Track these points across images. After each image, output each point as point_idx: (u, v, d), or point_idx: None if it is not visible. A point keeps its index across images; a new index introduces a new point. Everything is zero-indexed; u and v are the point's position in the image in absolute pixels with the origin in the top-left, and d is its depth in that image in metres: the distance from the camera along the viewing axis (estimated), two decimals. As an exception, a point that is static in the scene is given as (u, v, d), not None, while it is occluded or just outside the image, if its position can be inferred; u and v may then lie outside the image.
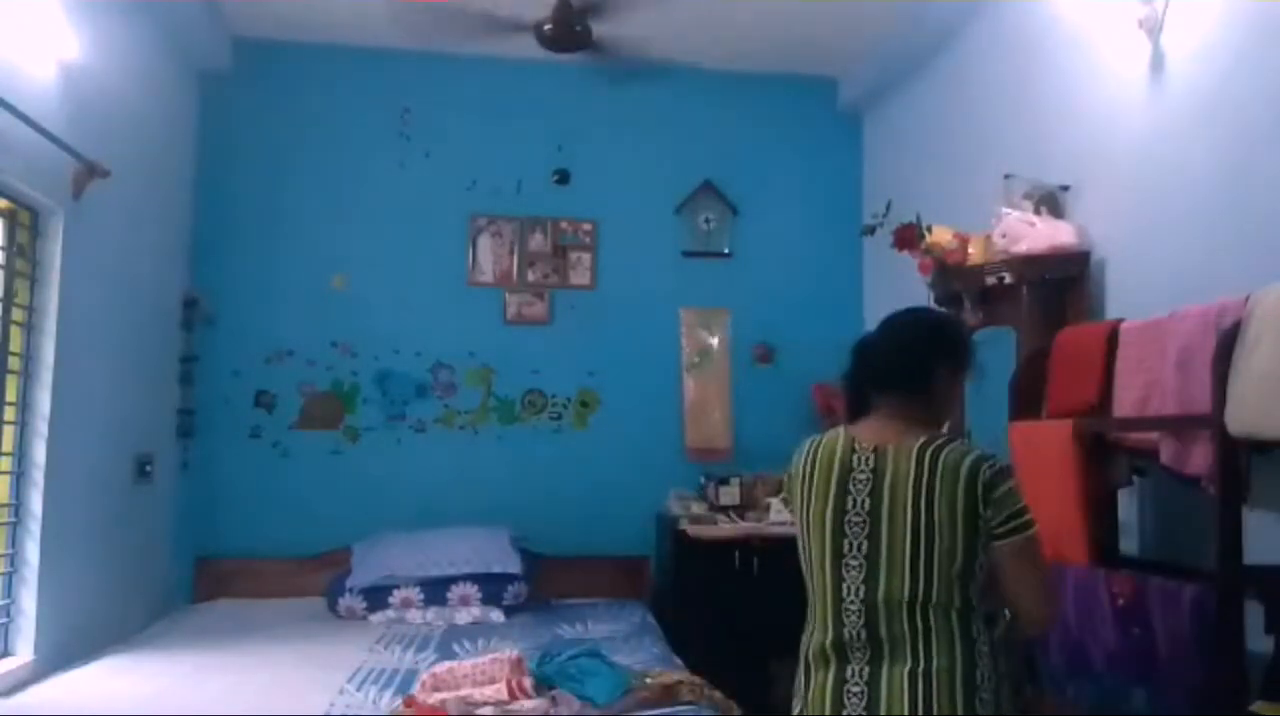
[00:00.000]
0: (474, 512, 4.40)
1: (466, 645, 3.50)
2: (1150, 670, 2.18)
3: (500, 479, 4.58)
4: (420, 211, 4.66)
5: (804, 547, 1.88)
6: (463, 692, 2.57)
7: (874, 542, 1.76)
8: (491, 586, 4.04)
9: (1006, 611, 1.77)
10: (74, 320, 3.25)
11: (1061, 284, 3.00)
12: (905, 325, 1.93)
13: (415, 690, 2.65)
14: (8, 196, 2.98)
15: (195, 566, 4.37)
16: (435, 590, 4.02)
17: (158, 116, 4.05)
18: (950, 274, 3.29)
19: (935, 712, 1.67)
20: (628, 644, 3.53)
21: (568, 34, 3.59)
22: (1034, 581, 1.75)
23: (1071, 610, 2.40)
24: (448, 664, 2.75)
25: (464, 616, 3.97)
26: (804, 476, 1.88)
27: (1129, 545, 2.73)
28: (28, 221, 3.12)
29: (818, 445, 1.89)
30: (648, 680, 2.76)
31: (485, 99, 4.73)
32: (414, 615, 3.98)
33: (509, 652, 2.76)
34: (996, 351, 3.16)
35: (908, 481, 1.74)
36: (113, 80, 3.53)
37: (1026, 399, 2.86)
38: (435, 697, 2.56)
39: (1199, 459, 2.17)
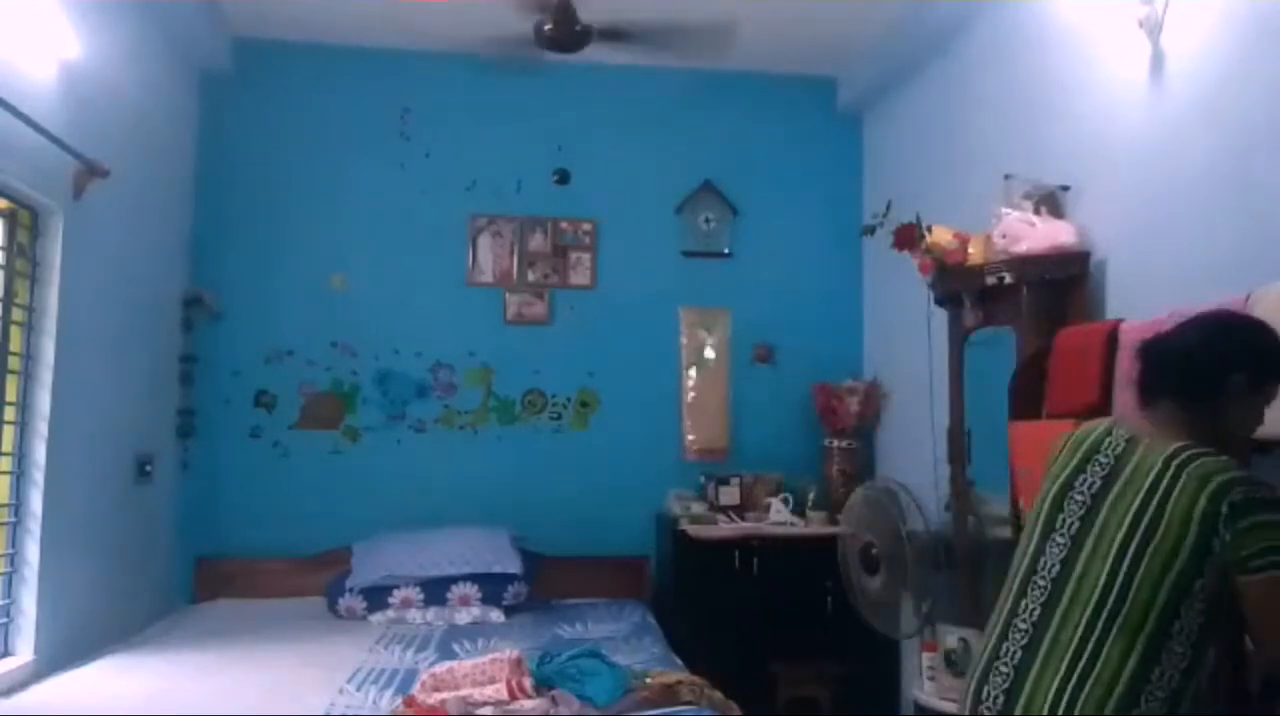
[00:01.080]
0: (474, 512, 4.40)
1: (466, 645, 3.50)
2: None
3: (500, 479, 4.58)
4: (420, 211, 4.66)
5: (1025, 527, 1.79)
6: (463, 692, 2.56)
7: (1086, 524, 1.64)
8: (491, 586, 4.04)
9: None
10: (74, 320, 3.25)
11: (1061, 284, 2.99)
12: (1199, 326, 1.75)
13: (415, 690, 2.65)
14: (8, 196, 2.97)
15: (195, 566, 4.36)
16: (435, 590, 4.02)
17: (158, 116, 4.05)
18: (950, 274, 3.29)
19: None
20: (628, 644, 3.54)
21: (568, 34, 3.59)
22: None
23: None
24: (448, 664, 2.75)
25: (464, 616, 3.97)
26: (1054, 457, 1.79)
27: (1129, 545, 2.73)
28: (28, 221, 3.12)
29: (1077, 428, 1.81)
30: (648, 680, 2.76)
31: (485, 99, 4.72)
32: (414, 615, 3.97)
33: (509, 652, 2.76)
34: (996, 351, 3.16)
35: (1148, 475, 1.60)
36: (113, 80, 3.53)
37: (1026, 399, 2.85)
38: (435, 697, 2.56)
39: (1199, 459, 2.17)
